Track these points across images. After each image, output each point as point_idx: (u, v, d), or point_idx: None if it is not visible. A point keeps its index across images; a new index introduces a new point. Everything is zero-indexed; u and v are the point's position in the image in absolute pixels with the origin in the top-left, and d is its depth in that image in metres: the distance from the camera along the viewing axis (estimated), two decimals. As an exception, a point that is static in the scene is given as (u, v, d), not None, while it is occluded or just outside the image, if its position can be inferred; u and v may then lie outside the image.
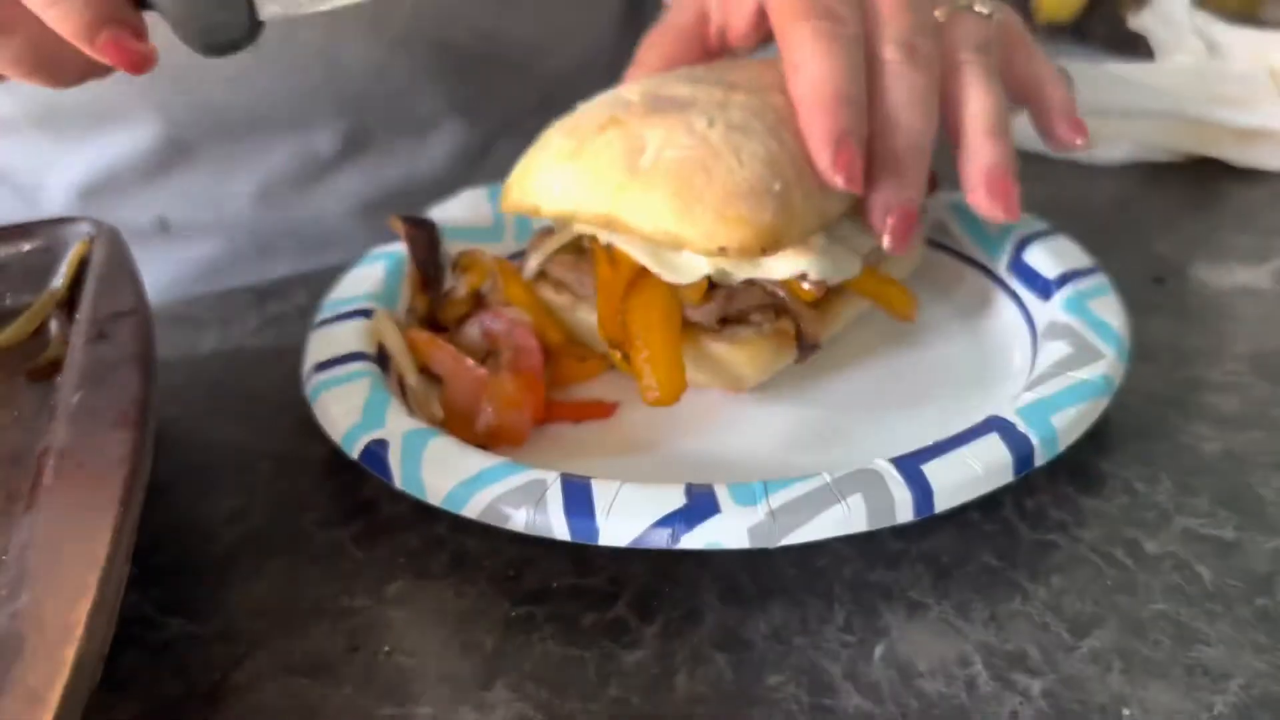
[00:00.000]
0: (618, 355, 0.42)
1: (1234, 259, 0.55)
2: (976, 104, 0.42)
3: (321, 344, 0.44)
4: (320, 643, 0.34)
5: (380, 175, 0.68)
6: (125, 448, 0.30)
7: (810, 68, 0.39)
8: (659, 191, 0.39)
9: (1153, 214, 0.60)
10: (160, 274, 0.45)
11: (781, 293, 0.42)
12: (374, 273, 0.48)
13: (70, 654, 0.25)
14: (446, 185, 0.71)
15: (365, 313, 0.45)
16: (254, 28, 0.39)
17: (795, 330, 0.42)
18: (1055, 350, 0.40)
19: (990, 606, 0.34)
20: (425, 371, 0.44)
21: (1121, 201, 0.63)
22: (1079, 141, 0.45)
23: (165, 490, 0.41)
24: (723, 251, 0.38)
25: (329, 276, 0.56)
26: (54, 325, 0.42)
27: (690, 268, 0.42)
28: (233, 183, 0.65)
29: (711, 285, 0.42)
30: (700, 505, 0.34)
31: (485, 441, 0.40)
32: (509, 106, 0.70)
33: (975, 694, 0.31)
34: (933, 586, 0.35)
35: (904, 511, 0.34)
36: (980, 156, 0.42)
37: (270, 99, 0.62)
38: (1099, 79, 0.65)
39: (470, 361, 0.43)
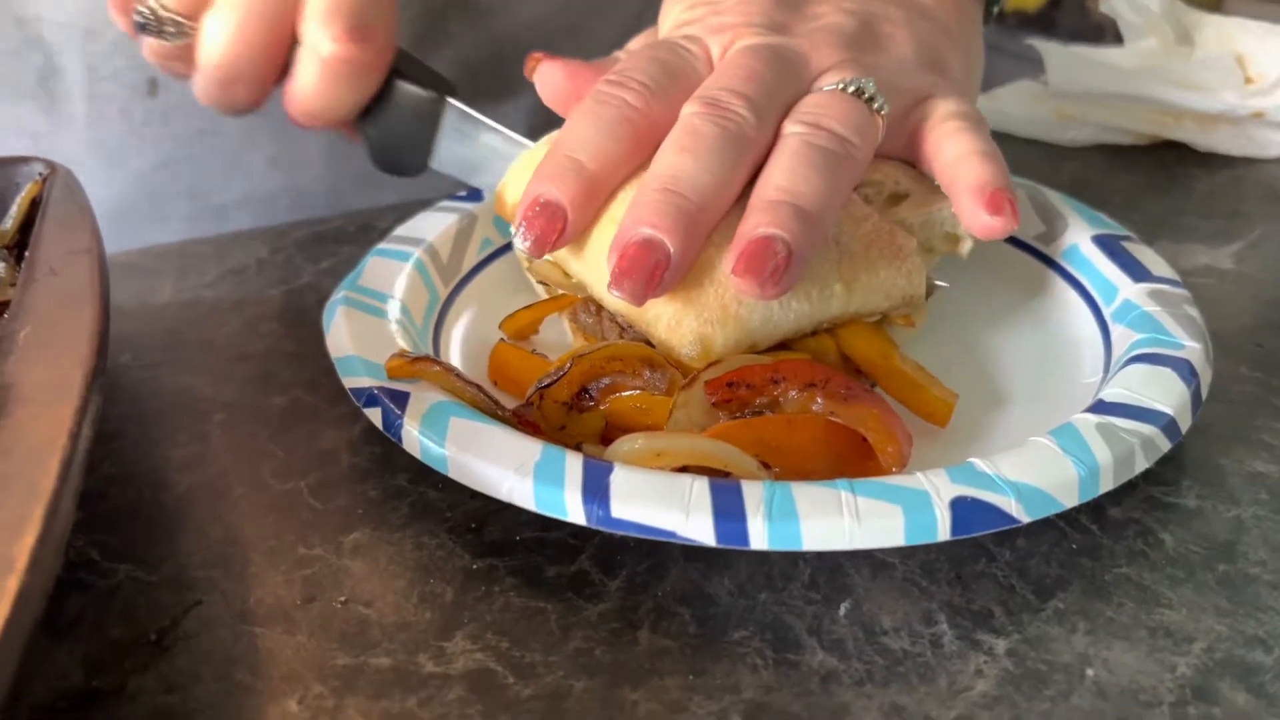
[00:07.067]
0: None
1: (1196, 240, 0.55)
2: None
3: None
4: (275, 591, 0.33)
5: None
6: (76, 381, 0.29)
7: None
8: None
9: (1116, 195, 0.61)
10: None
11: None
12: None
13: (12, 584, 0.24)
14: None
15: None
16: (423, 169, 0.48)
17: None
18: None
19: (955, 567, 0.34)
20: None
21: (1084, 182, 0.63)
22: (996, 222, 0.39)
23: (116, 437, 0.40)
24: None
25: (291, 231, 0.56)
26: (1, 267, 0.41)
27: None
28: None
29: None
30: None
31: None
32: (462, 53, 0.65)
33: (940, 652, 0.31)
34: (898, 547, 0.35)
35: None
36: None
37: None
38: (1067, 60, 0.65)
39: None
